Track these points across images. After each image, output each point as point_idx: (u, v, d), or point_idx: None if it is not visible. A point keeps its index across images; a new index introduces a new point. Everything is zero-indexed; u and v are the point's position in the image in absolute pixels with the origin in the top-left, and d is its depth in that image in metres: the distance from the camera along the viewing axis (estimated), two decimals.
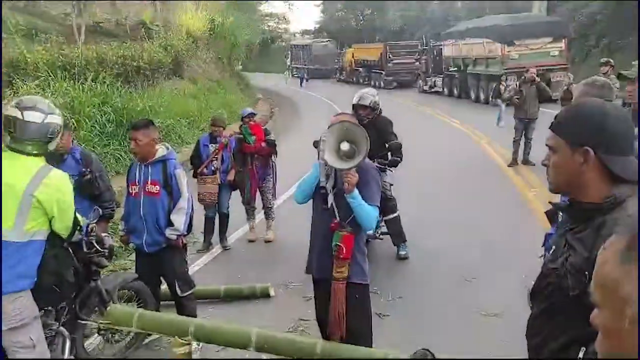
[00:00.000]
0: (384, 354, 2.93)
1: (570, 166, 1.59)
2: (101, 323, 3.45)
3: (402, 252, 5.93)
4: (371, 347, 3.31)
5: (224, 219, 6.54)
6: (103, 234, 3.53)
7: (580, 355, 1.54)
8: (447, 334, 4.24)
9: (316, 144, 4.09)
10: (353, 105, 5.73)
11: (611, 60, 9.89)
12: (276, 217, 6.93)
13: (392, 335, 4.19)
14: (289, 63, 45.38)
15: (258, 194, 6.72)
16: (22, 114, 2.83)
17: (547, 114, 11.41)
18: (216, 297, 5.07)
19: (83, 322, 3.53)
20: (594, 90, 3.21)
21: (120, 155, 9.76)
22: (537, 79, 9.98)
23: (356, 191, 3.18)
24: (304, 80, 37.54)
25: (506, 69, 19.09)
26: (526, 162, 10.03)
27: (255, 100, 23.29)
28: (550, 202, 1.97)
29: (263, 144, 6.55)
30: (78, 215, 3.13)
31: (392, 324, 4.45)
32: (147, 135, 4.08)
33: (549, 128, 1.68)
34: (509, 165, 10.08)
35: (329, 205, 3.25)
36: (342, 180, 3.18)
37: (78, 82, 11.06)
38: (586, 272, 1.49)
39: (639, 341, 0.66)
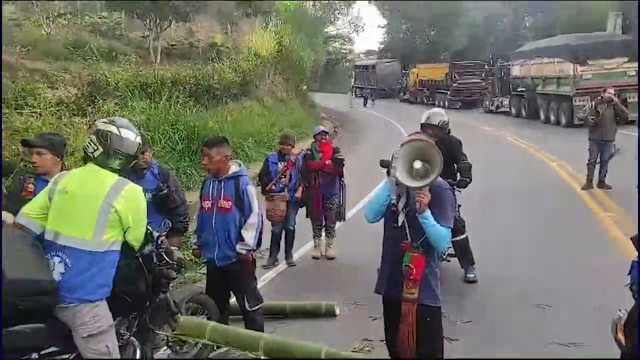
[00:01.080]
0: None
1: None
2: (173, 334, 3.54)
3: (471, 275, 5.78)
4: None
5: (290, 235, 6.62)
6: (172, 247, 3.63)
7: None
8: None
9: (383, 164, 4.09)
10: (421, 124, 5.68)
11: None
12: (342, 235, 6.94)
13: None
14: (352, 83, 45.66)
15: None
16: (119, 130, 3.04)
17: (624, 135, 10.89)
18: (282, 314, 5.11)
19: (154, 332, 3.63)
20: None
21: (191, 172, 10.11)
22: (615, 100, 9.56)
23: (428, 211, 3.13)
24: (369, 100, 37.29)
25: (578, 89, 18.41)
26: (602, 185, 9.58)
27: (319, 119, 23.54)
28: (635, 236, 1.87)
29: (328, 162, 6.61)
30: (149, 228, 3.24)
31: (462, 349, 4.32)
32: (219, 152, 4.20)
33: None
34: (582, 189, 9.66)
35: (400, 224, 3.21)
36: (415, 200, 3.15)
37: (153, 101, 11.60)
38: None
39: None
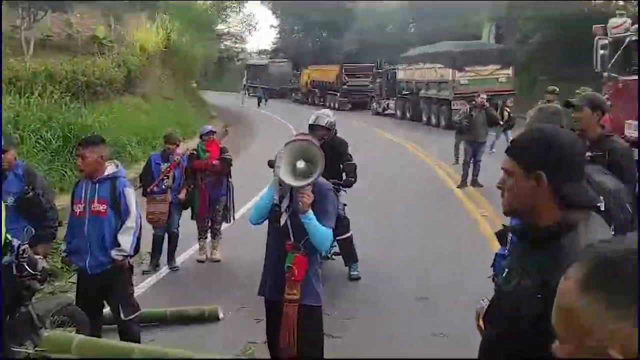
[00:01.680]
0: None
1: (524, 190, 1.61)
2: (35, 351, 3.25)
3: (354, 273, 5.93)
4: None
5: (174, 238, 6.38)
6: (38, 256, 3.34)
7: None
8: (398, 354, 4.23)
9: (271, 164, 4.07)
10: (309, 125, 5.74)
11: (557, 89, 10.33)
12: (229, 237, 6.81)
13: (343, 356, 4.14)
14: (245, 82, 45.31)
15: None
16: None
17: (494, 137, 11.75)
18: (162, 321, 4.90)
19: (12, 349, 3.32)
20: (545, 117, 3.31)
21: (65, 173, 9.44)
22: (487, 105, 10.30)
23: (311, 212, 3.15)
24: (263, 101, 36.85)
25: (457, 94, 19.65)
26: (475, 183, 10.27)
27: (209, 119, 23.05)
28: (503, 225, 1.99)
29: (215, 162, 6.46)
30: (8, 236, 2.95)
31: (344, 345, 4.40)
32: (95, 152, 3.94)
33: (505, 152, 1.71)
34: (458, 187, 10.31)
35: (282, 224, 3.21)
36: (297, 200, 3.15)
37: (24, 96, 10.69)
38: (539, 296, 1.50)
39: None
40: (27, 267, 3.18)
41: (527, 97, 20.52)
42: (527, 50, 25.71)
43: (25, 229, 3.54)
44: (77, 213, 4.00)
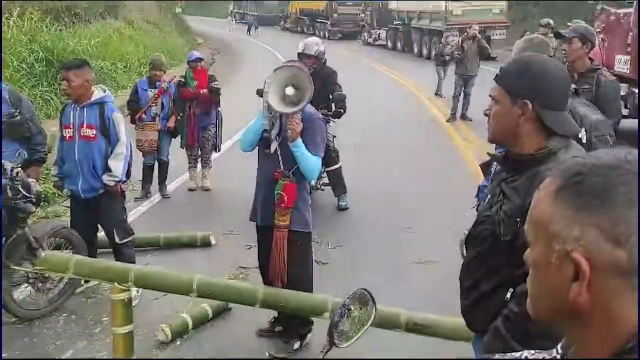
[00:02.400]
0: (323, 300, 3.02)
1: (510, 117, 1.66)
2: (34, 270, 3.34)
3: (343, 203, 6.04)
4: (312, 293, 3.39)
5: (164, 166, 6.39)
6: (30, 180, 3.36)
7: (508, 295, 1.65)
8: (385, 280, 4.40)
9: (260, 92, 4.04)
10: (298, 54, 5.65)
11: (551, 22, 10.18)
12: (219, 166, 6.85)
13: (332, 282, 4.30)
14: (232, 8, 43.83)
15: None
16: None
17: (486, 71, 11.71)
18: (156, 246, 5.01)
19: (11, 269, 3.41)
20: (531, 48, 3.30)
21: (51, 98, 9.27)
22: (479, 36, 10.14)
23: (300, 140, 3.18)
24: (253, 28, 35.51)
25: (449, 24, 19.27)
26: (464, 117, 10.30)
27: (195, 45, 22.47)
28: (488, 153, 2.04)
29: (204, 91, 6.38)
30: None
31: (332, 271, 4.56)
32: (80, 75, 3.88)
33: (494, 79, 1.73)
34: (447, 121, 10.33)
35: (272, 151, 3.24)
36: (287, 128, 3.17)
37: (2, 16, 10.27)
38: (518, 219, 1.58)
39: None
40: (20, 189, 3.20)
41: (520, 30, 20.23)
42: None
43: (17, 152, 3.54)
44: (67, 137, 3.99)
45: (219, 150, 6.81)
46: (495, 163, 3.21)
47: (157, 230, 5.24)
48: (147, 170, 6.35)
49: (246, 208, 5.49)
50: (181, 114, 6.39)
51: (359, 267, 4.70)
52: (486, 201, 1.82)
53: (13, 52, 9.35)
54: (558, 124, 1.64)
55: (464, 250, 2.04)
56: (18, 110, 4.17)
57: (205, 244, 5.08)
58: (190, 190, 6.66)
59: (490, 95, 1.73)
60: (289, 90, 3.13)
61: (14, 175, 3.20)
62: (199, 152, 6.62)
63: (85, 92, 3.92)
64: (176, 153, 6.60)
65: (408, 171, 7.36)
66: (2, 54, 8.94)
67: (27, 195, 3.25)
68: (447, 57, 11.72)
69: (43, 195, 3.77)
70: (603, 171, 0.70)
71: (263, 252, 3.43)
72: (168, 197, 6.41)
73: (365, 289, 1.40)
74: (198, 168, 6.74)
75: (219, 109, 6.62)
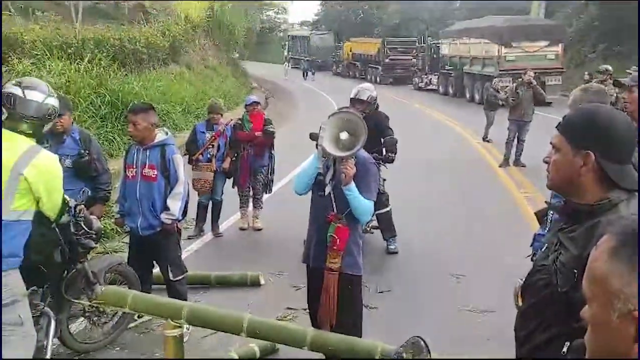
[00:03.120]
0: (372, 345, 2.99)
1: (570, 167, 1.63)
2: (92, 304, 3.47)
3: (392, 247, 6.01)
4: (360, 338, 3.37)
5: (217, 206, 6.57)
6: (92, 217, 3.54)
7: (564, 349, 1.61)
8: (435, 328, 4.32)
9: (313, 137, 4.14)
10: (351, 99, 5.77)
11: (610, 69, 10.02)
12: (269, 206, 6.97)
13: (381, 327, 4.26)
14: (286, 54, 45.21)
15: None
16: (23, 92, 2.85)
17: (541, 117, 11.51)
18: (207, 283, 5.11)
19: (70, 302, 3.55)
20: (588, 97, 3.26)
21: (114, 138, 9.75)
22: (534, 82, 10.07)
23: (353, 184, 3.23)
24: (310, 74, 35.47)
25: (502, 70, 19.20)
26: (517, 163, 10.13)
27: (251, 89, 23.23)
28: (545, 202, 2.02)
29: (259, 133, 6.58)
30: (66, 197, 3.12)
31: (381, 316, 4.51)
32: (146, 119, 4.10)
33: (556, 127, 1.72)
34: (500, 166, 10.18)
35: (326, 194, 3.29)
36: (340, 172, 3.23)
37: (74, 62, 11.00)
38: (575, 270, 1.55)
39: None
40: (83, 225, 3.36)
41: (576, 75, 19.91)
42: (577, 27, 24.80)
43: (82, 190, 3.74)
44: (130, 177, 4.20)
45: (271, 192, 6.95)
46: (551, 212, 3.16)
47: (208, 268, 5.35)
48: (202, 209, 6.54)
49: (295, 249, 5.54)
50: (235, 155, 6.60)
51: (408, 313, 4.63)
52: (543, 250, 1.79)
53: (82, 95, 9.95)
54: (621, 177, 1.61)
55: (518, 300, 2.01)
56: (87, 151, 4.42)
57: (255, 283, 5.14)
58: (242, 229, 6.79)
59: (551, 143, 1.71)
60: (343, 135, 3.21)
61: (77, 212, 3.38)
62: (251, 192, 6.78)
63: (149, 134, 4.13)
64: (228, 193, 6.78)
65: (459, 216, 7.25)
66: (72, 98, 9.55)
67: (89, 231, 3.41)
68: (501, 102, 11.63)
69: (103, 232, 3.93)
70: None
71: (313, 294, 3.45)
72: (220, 236, 6.56)
73: (419, 337, 1.40)
74: (249, 208, 6.89)
75: (273, 151, 6.79)
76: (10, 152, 2.80)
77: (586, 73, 13.71)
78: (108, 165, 5.17)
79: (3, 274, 2.78)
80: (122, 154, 9.01)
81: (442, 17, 37.54)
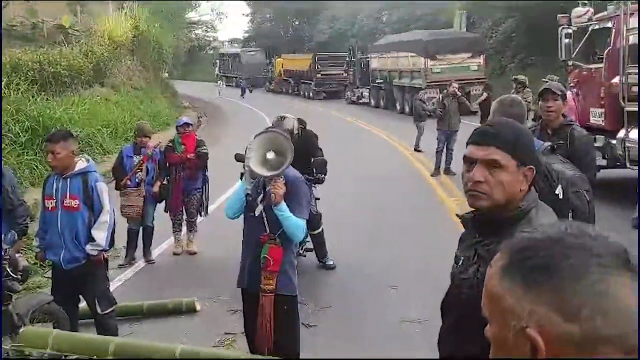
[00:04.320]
0: None
1: (516, 183, 1.61)
2: (12, 346, 3.25)
3: (329, 262, 5.98)
4: (299, 358, 3.32)
5: (149, 231, 6.35)
6: (17, 255, 3.33)
7: None
8: (371, 342, 4.34)
9: (239, 158, 4.08)
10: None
11: (520, 77, 10.67)
12: (203, 230, 6.82)
13: (320, 344, 4.23)
14: (217, 72, 44.85)
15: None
16: None
17: (467, 125, 11.98)
18: (139, 314, 4.91)
19: None
20: (506, 108, 3.36)
21: (36, 166, 9.30)
22: (459, 93, 10.45)
23: (284, 204, 3.20)
24: (246, 91, 35.18)
25: (429, 82, 19.83)
26: (448, 171, 10.44)
27: (182, 109, 22.83)
28: (457, 215, 2.02)
29: (191, 155, 6.42)
30: None
31: (320, 333, 4.48)
32: (65, 147, 3.90)
33: (486, 142, 1.62)
34: (432, 175, 10.46)
35: (256, 214, 3.24)
36: (270, 192, 3.20)
37: (2, 21, 10.39)
38: None
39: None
40: (7, 268, 3.16)
41: (497, 84, 20.85)
42: (496, 39, 26.09)
43: (10, 233, 3.51)
44: (50, 208, 3.97)
45: (206, 215, 6.79)
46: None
47: (142, 297, 5.15)
48: (132, 236, 6.30)
49: (232, 272, 5.39)
50: (166, 179, 6.41)
51: (347, 328, 4.62)
52: (460, 264, 1.79)
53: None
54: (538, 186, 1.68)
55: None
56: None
57: (191, 310, 4.98)
58: (175, 254, 6.59)
59: (486, 159, 1.61)
60: (270, 155, 3.19)
61: (2, 254, 3.17)
62: (184, 215, 6.60)
63: (69, 163, 3.93)
64: (160, 217, 6.57)
65: (393, 227, 7.36)
66: None
67: (13, 274, 3.20)
68: (429, 113, 12.00)
69: (30, 272, 3.70)
70: (547, 245, 0.72)
71: (249, 317, 3.38)
72: (153, 263, 6.34)
73: None
74: (183, 232, 6.70)
75: (207, 173, 6.65)
76: None
77: (512, 90, 14.42)
78: (30, 194, 4.90)
79: None
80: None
81: (371, 32, 38.47)
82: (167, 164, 6.42)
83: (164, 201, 6.50)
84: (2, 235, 3.61)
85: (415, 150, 13.12)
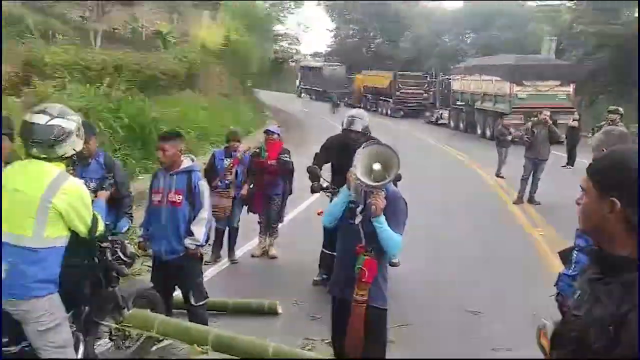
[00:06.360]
0: None
1: (597, 213, 1.55)
2: (120, 327, 3.47)
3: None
4: None
5: (234, 232, 6.58)
6: (126, 242, 3.57)
7: None
8: None
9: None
10: (343, 130, 5.67)
11: (620, 109, 10.09)
12: (284, 235, 6.97)
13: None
14: (298, 84, 45.68)
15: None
16: (30, 116, 2.83)
17: (557, 156, 11.53)
18: (223, 310, 5.08)
19: (99, 324, 3.56)
20: (611, 140, 3.23)
21: (130, 161, 9.83)
22: (550, 122, 10.12)
23: (382, 217, 3.24)
24: (337, 105, 33.02)
25: (514, 108, 19.32)
26: (531, 200, 10.11)
27: (265, 118, 23.45)
28: (562, 250, 1.93)
29: (272, 162, 6.57)
30: (99, 217, 3.11)
31: (398, 351, 4.46)
32: (174, 146, 4.16)
33: (586, 170, 1.65)
34: (514, 203, 10.16)
35: (357, 222, 3.29)
36: (370, 204, 3.24)
37: (94, 86, 11.18)
38: (611, 327, 1.49)
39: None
40: (119, 252, 3.41)
41: (586, 115, 19.99)
42: (588, 68, 25.05)
43: (124, 221, 3.77)
44: (156, 202, 4.23)
45: (282, 222, 6.93)
46: (576, 252, 3.12)
47: (224, 294, 5.32)
48: (218, 235, 6.53)
49: (310, 278, 5.53)
50: (252, 184, 6.62)
51: (425, 348, 4.57)
52: (576, 298, 1.71)
53: (101, 118, 10.08)
54: None
55: (544, 342, 1.93)
56: (111, 175, 4.46)
57: (272, 311, 5.10)
58: (253, 256, 6.76)
59: (580, 186, 1.65)
60: (376, 166, 3.24)
61: (115, 239, 3.44)
62: (266, 220, 6.77)
63: (177, 160, 4.18)
64: (245, 220, 6.78)
65: (475, 253, 7.21)
66: (91, 120, 9.68)
67: (123, 258, 3.45)
68: (515, 139, 11.70)
69: (136, 258, 3.96)
70: None
71: (339, 325, 3.42)
72: (236, 262, 6.55)
73: None
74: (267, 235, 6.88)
75: (288, 181, 6.73)
76: (35, 181, 2.80)
77: (603, 122, 13.71)
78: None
79: (44, 298, 2.82)
80: (136, 177, 9.11)
81: (454, 54, 38.04)
82: (253, 169, 6.63)
83: (248, 204, 6.70)
84: (117, 222, 3.87)
85: (497, 175, 12.81)
